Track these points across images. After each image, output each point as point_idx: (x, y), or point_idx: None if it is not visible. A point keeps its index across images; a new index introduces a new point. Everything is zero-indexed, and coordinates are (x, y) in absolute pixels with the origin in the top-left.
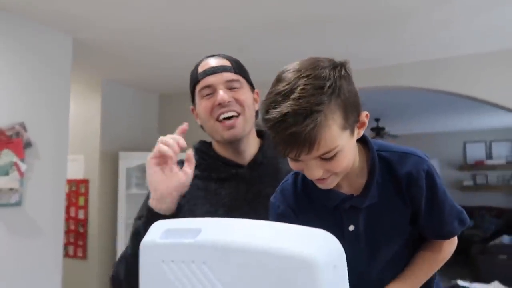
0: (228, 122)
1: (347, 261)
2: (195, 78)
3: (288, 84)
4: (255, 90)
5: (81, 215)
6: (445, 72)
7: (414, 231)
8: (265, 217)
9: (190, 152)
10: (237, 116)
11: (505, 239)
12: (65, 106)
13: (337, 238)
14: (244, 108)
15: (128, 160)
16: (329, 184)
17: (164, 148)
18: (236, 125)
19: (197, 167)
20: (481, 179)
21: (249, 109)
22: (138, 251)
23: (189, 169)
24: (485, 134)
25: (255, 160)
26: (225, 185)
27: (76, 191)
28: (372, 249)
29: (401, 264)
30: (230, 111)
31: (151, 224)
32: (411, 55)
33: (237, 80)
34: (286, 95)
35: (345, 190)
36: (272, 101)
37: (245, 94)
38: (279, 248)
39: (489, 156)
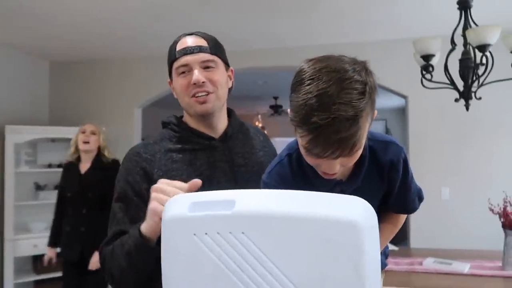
0: (201, 98)
1: None
2: (173, 56)
3: (328, 86)
4: (230, 68)
5: None
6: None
7: (381, 207)
8: (242, 186)
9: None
10: (210, 93)
11: None
12: None
13: None
14: (217, 88)
15: (16, 135)
16: (336, 176)
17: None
18: (208, 101)
19: (170, 140)
20: None
21: (222, 88)
22: (133, 269)
23: None
24: None
25: (226, 133)
26: (199, 156)
27: None
28: None
29: None
30: (204, 91)
31: (142, 249)
32: (315, 39)
33: (213, 61)
34: (331, 98)
35: None
36: (314, 103)
37: (219, 75)
38: (322, 214)
39: None
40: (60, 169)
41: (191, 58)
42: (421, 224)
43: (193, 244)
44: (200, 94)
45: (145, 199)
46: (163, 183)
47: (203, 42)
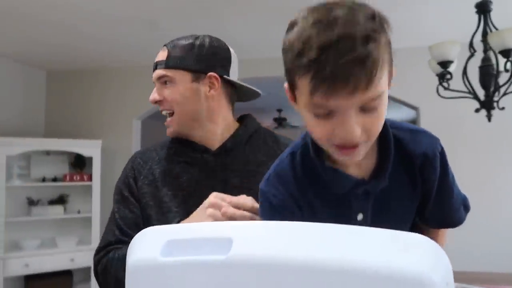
0: (166, 121)
1: None
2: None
3: (328, 13)
4: (209, 74)
5: None
6: None
7: (416, 221)
8: None
9: None
10: (171, 114)
11: None
12: None
13: None
14: (172, 106)
15: (8, 147)
16: (357, 154)
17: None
18: (170, 124)
19: (166, 149)
20: None
21: (182, 105)
22: None
23: None
24: None
25: (224, 146)
26: (188, 170)
27: None
28: None
29: None
30: (164, 109)
31: None
32: None
33: (166, 76)
34: (332, 22)
35: (353, 172)
36: (312, 31)
37: (176, 92)
38: (372, 263)
39: None
40: (55, 183)
41: (153, 75)
42: None
43: None
44: (164, 113)
45: (139, 201)
46: (218, 198)
47: (163, 56)
